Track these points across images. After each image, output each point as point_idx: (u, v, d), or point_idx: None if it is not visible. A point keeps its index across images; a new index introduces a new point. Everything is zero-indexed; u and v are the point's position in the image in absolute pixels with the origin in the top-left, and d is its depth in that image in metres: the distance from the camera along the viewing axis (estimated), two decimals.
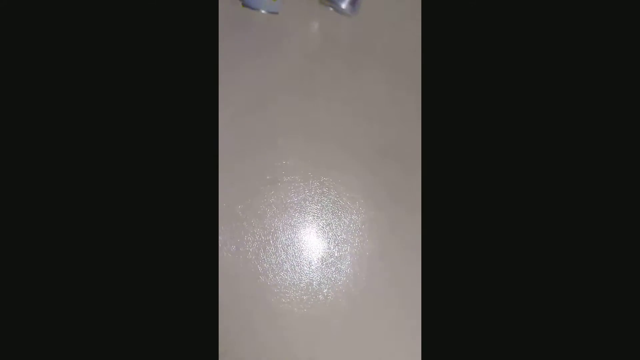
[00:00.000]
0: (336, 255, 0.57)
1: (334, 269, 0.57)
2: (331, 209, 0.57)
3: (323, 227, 0.57)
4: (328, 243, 0.57)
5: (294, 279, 0.57)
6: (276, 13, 0.53)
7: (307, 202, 0.57)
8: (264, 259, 0.58)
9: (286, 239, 0.57)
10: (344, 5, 0.52)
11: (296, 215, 0.57)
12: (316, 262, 0.57)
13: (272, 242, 0.57)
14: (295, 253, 0.57)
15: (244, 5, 0.53)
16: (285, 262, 0.57)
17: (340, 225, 0.57)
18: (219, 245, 0.56)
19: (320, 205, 0.57)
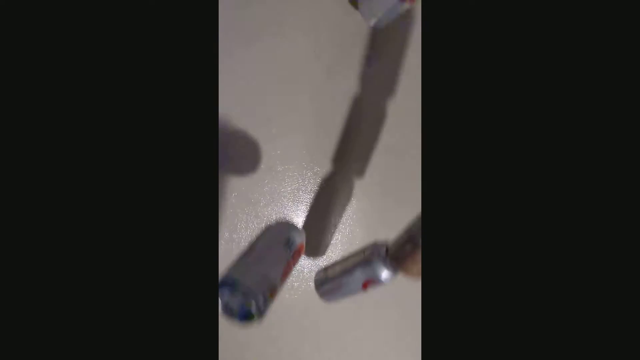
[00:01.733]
0: (328, 244, 0.59)
1: (324, 257, 0.59)
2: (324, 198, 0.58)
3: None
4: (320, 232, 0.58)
5: None
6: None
7: (301, 191, 0.58)
8: None
9: None
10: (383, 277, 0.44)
11: (289, 204, 0.58)
12: (307, 250, 0.58)
13: None
14: None
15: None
16: None
17: None
18: None
19: (313, 194, 0.58)
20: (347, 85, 0.58)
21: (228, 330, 0.56)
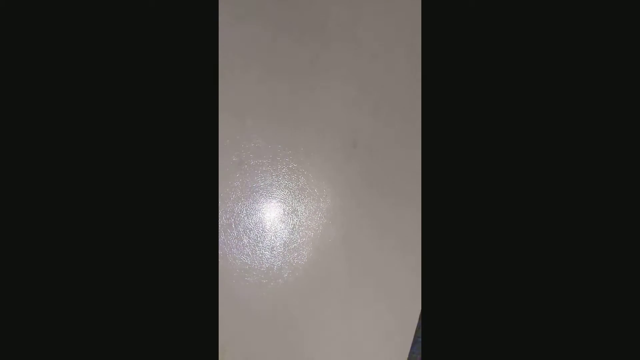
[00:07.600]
0: (299, 241, 0.57)
1: (296, 254, 0.58)
2: (297, 195, 0.57)
3: (289, 213, 0.57)
4: (292, 229, 0.57)
5: (255, 262, 0.57)
6: None
7: (274, 187, 0.56)
8: (224, 242, 0.56)
9: (249, 223, 0.56)
10: None
11: (261, 199, 0.56)
12: (278, 247, 0.57)
13: (235, 225, 0.56)
14: (257, 237, 0.57)
15: None
16: (247, 246, 0.57)
17: (305, 212, 0.57)
18: None
19: (287, 190, 0.56)
20: (325, 79, 0.56)
21: None
